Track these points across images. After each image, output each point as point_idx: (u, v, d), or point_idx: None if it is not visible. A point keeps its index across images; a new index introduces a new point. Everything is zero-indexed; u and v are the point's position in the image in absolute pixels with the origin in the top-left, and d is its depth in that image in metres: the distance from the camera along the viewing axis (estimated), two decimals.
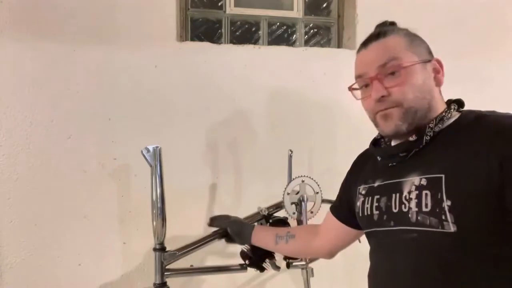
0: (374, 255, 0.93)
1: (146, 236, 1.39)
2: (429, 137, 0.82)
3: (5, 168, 1.56)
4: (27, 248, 1.58)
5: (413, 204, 0.79)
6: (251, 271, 1.30)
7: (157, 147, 1.21)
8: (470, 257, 0.73)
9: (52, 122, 1.59)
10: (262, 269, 1.28)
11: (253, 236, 1.22)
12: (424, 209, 0.77)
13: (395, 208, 0.83)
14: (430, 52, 0.89)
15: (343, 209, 1.06)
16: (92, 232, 1.62)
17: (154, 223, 1.22)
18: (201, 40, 1.87)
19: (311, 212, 1.36)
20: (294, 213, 1.35)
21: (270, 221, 1.33)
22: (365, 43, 0.89)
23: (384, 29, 0.89)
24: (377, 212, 0.88)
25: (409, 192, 0.80)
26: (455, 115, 0.84)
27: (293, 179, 1.36)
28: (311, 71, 1.79)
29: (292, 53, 1.80)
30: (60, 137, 1.60)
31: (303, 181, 1.36)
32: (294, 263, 1.35)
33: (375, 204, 0.88)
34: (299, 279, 1.41)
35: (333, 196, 1.30)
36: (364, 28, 1.83)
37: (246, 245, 1.28)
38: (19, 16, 1.56)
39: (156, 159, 1.21)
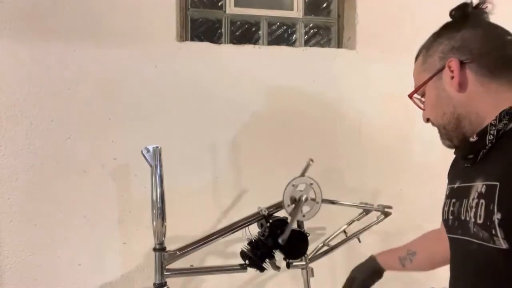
0: (450, 263, 0.86)
1: (146, 236, 1.39)
2: (492, 136, 0.71)
3: (5, 168, 1.56)
4: (27, 248, 1.58)
5: (472, 213, 0.72)
6: (251, 271, 1.30)
7: (157, 147, 1.21)
8: None
9: (52, 122, 1.59)
10: (262, 269, 1.28)
11: (380, 265, 1.22)
12: (478, 220, 0.70)
13: (463, 215, 0.76)
14: (447, 52, 0.78)
15: None
16: (92, 232, 1.62)
17: (154, 223, 1.22)
18: (201, 40, 1.87)
19: (303, 216, 1.28)
20: (288, 205, 1.30)
21: (270, 221, 1.32)
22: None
23: (421, 47, 0.85)
24: (451, 217, 0.82)
25: (472, 199, 0.73)
26: None
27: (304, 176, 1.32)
28: (311, 71, 1.79)
29: (292, 53, 1.80)
30: (60, 137, 1.59)
31: (311, 184, 1.32)
32: (294, 263, 1.35)
33: (451, 208, 0.83)
34: (299, 279, 1.40)
35: (332, 196, 1.30)
36: (364, 28, 1.85)
37: (246, 244, 1.28)
38: (19, 16, 1.55)
39: (156, 159, 1.21)
